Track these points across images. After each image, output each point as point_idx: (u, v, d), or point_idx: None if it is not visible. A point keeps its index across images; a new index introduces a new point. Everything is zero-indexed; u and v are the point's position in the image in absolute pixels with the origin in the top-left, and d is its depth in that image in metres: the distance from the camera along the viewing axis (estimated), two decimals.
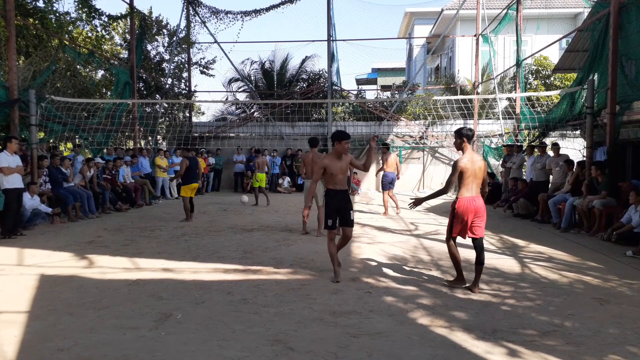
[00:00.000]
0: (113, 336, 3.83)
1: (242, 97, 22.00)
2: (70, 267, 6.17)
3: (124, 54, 18.01)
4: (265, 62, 21.01)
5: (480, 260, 5.15)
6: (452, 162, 17.75)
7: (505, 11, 15.93)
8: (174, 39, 18.55)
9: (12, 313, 4.40)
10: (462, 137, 5.16)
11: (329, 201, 5.56)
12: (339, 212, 5.50)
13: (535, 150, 11.57)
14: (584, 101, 10.25)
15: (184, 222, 9.92)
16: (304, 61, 21.08)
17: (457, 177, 5.02)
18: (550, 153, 10.71)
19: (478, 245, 5.18)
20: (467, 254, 6.89)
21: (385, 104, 19.18)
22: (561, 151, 10.76)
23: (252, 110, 20.77)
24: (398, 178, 11.71)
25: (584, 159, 9.98)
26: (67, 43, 12.84)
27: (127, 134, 15.96)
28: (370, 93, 31.22)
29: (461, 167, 4.99)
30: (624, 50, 8.86)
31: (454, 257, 5.23)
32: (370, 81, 32.77)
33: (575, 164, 9.97)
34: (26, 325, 4.07)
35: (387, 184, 11.35)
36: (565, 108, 11.41)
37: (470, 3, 19.42)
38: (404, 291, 5.09)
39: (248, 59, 21.00)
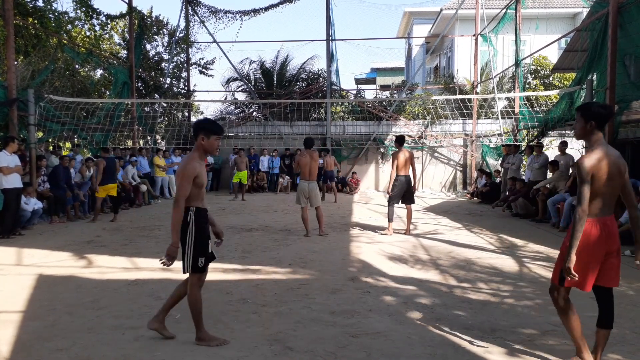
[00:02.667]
0: (112, 336, 3.83)
1: (241, 96, 21.99)
2: (69, 267, 6.16)
3: (123, 53, 17.99)
4: (264, 61, 21.00)
5: (606, 321, 3.34)
6: (450, 162, 18.12)
7: (504, 11, 15.93)
8: (173, 38, 18.55)
9: (11, 313, 4.40)
10: (591, 120, 3.15)
11: (202, 225, 3.67)
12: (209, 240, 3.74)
13: (534, 150, 11.57)
14: (582, 101, 10.26)
15: (90, 223, 9.84)
16: (303, 62, 21.10)
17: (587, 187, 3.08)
18: (548, 153, 10.75)
19: (606, 299, 3.38)
20: (468, 254, 6.91)
21: (384, 103, 19.17)
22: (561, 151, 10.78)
23: (251, 110, 20.76)
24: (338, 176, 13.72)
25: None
26: (65, 42, 12.83)
27: (125, 133, 15.94)
28: (369, 93, 31.22)
29: (590, 168, 3.08)
30: (626, 49, 8.87)
31: (570, 325, 3.31)
32: (369, 81, 32.76)
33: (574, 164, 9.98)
34: (25, 325, 4.06)
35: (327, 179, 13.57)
36: (564, 108, 11.43)
37: (469, 3, 19.41)
38: (403, 291, 5.09)
39: (247, 58, 21.01)
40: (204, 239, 3.64)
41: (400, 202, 8.72)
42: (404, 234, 8.60)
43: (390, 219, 8.68)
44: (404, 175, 8.57)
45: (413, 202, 8.74)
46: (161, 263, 3.48)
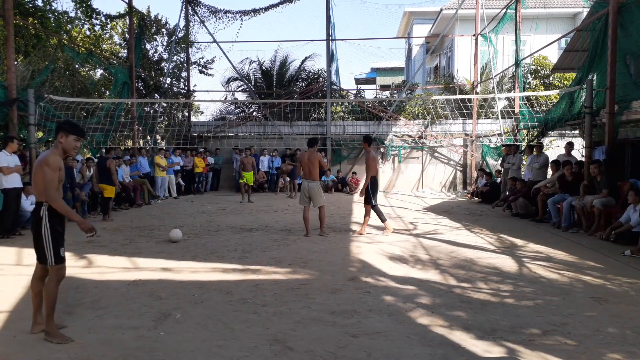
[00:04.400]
0: (112, 336, 3.83)
1: (241, 96, 22.00)
2: (69, 266, 6.11)
3: (123, 53, 17.99)
4: (264, 61, 21.02)
5: None
6: (450, 162, 18.06)
7: (504, 11, 15.93)
8: (173, 38, 18.55)
9: (11, 313, 4.40)
10: None
11: (54, 218, 3.80)
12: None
13: (534, 150, 11.58)
14: (583, 101, 10.26)
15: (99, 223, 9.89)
16: (303, 61, 21.09)
17: None
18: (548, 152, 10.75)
19: None
20: (468, 254, 6.91)
21: (384, 103, 19.18)
22: (560, 151, 10.78)
23: (251, 110, 20.77)
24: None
25: (582, 158, 10.00)
26: (65, 42, 12.83)
27: (125, 133, 15.95)
28: (369, 92, 31.23)
29: None
30: (627, 49, 8.86)
31: None
32: (369, 81, 32.77)
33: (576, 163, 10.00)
34: (25, 325, 4.06)
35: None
36: (564, 108, 11.43)
37: (469, 3, 19.41)
38: (403, 290, 5.09)
39: (247, 58, 21.02)
40: (58, 230, 3.84)
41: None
42: (358, 233, 8.59)
43: (383, 219, 8.66)
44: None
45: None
46: (89, 237, 3.96)
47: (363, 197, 8.68)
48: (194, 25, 18.90)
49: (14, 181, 8.30)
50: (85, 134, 4.14)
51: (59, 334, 3.75)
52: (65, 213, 3.82)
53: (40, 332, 3.84)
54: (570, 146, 10.72)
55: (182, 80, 19.76)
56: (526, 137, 14.07)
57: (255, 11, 18.36)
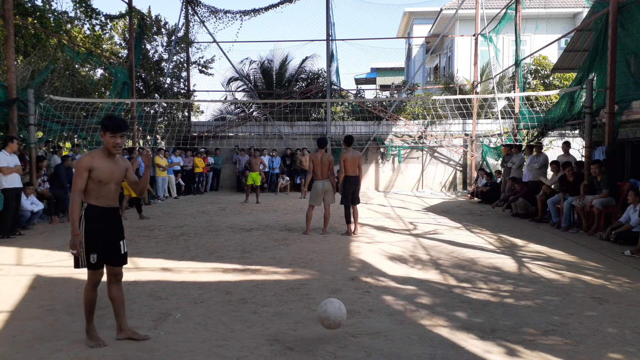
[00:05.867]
0: (112, 336, 3.82)
1: (241, 96, 22.00)
2: (69, 266, 6.12)
3: (123, 53, 17.99)
4: (264, 61, 21.01)
5: None
6: (450, 162, 18.07)
7: (504, 11, 15.94)
8: (172, 38, 18.54)
9: (11, 313, 4.40)
10: None
11: (93, 221, 3.64)
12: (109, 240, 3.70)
13: (534, 150, 11.57)
14: (583, 101, 10.25)
15: None
16: (303, 61, 21.10)
17: None
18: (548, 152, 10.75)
19: None
20: (468, 254, 6.91)
21: (384, 103, 19.18)
22: (560, 151, 10.77)
23: (251, 110, 20.77)
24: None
25: (582, 158, 10.00)
26: (65, 42, 12.83)
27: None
28: (369, 93, 31.25)
29: None
30: (629, 48, 8.86)
31: None
32: (369, 81, 32.79)
33: (579, 164, 10.00)
34: (25, 325, 4.06)
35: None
36: (564, 108, 11.42)
37: (469, 3, 19.42)
38: (403, 290, 5.09)
39: (247, 58, 21.03)
40: (94, 235, 3.59)
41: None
42: (353, 233, 8.45)
43: (347, 221, 8.56)
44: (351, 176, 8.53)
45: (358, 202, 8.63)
46: (73, 253, 3.57)
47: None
48: (194, 25, 18.91)
49: (14, 181, 8.30)
50: (123, 128, 3.66)
51: (95, 337, 3.66)
52: (71, 218, 3.55)
53: (124, 338, 3.73)
54: (567, 145, 10.70)
55: (182, 80, 19.76)
56: (526, 137, 14.06)
57: (255, 11, 18.36)
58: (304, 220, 9.90)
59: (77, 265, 3.63)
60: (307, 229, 8.47)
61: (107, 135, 3.61)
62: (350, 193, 8.48)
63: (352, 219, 8.54)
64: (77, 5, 13.11)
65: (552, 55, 18.50)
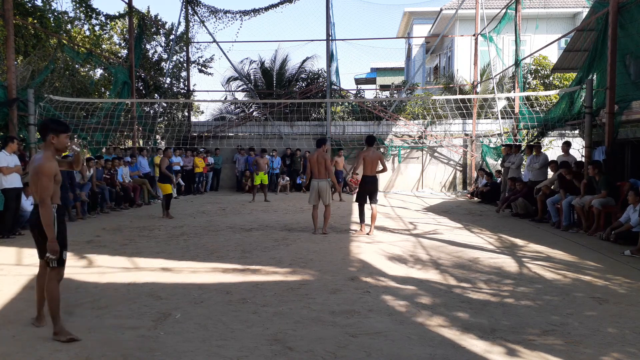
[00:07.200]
0: (112, 336, 3.82)
1: (241, 96, 22.00)
2: (69, 266, 6.11)
3: (123, 53, 17.99)
4: (264, 61, 21.02)
5: None
6: (450, 162, 18.06)
7: (504, 11, 15.94)
8: (171, 37, 18.54)
9: (10, 313, 4.39)
10: None
11: (62, 220, 3.92)
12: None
13: (534, 150, 11.57)
14: (583, 101, 10.25)
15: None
16: (303, 61, 21.11)
17: None
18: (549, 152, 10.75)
19: None
20: (468, 254, 6.91)
21: (384, 103, 19.18)
22: (560, 151, 10.77)
23: (251, 110, 20.77)
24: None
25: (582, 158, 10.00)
26: (65, 42, 12.83)
27: (125, 133, 15.94)
28: (369, 93, 31.25)
29: None
30: (627, 49, 8.86)
31: None
32: (369, 81, 32.79)
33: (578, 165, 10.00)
34: (25, 325, 4.06)
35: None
36: (564, 108, 11.42)
37: (469, 3, 19.41)
38: (403, 290, 5.09)
39: (247, 58, 21.02)
40: (62, 233, 3.84)
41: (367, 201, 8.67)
42: (368, 234, 8.49)
43: (361, 220, 8.77)
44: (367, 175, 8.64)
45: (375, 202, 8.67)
46: (48, 260, 3.73)
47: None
48: (193, 25, 18.92)
49: (14, 181, 8.30)
50: (70, 128, 4.00)
51: (67, 332, 3.75)
52: (45, 224, 3.65)
53: (43, 325, 3.88)
54: (567, 145, 10.71)
55: (182, 80, 19.76)
56: (526, 137, 14.07)
57: (255, 11, 18.37)
58: (304, 220, 9.94)
59: (52, 264, 3.78)
60: (315, 229, 8.60)
61: (61, 136, 3.83)
62: (366, 192, 8.59)
63: (364, 218, 8.71)
64: (77, 5, 13.11)
65: (552, 55, 18.50)
